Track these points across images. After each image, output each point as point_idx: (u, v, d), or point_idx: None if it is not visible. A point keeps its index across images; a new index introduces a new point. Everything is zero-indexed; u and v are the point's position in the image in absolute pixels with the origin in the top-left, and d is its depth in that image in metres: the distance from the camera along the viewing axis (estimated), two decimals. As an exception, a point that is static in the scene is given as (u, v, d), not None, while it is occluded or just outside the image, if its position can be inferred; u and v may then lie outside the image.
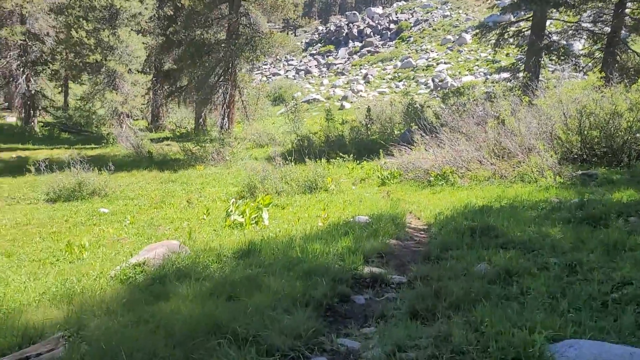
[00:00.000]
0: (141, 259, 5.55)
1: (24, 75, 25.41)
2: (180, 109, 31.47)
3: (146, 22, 27.22)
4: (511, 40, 21.89)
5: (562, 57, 19.22)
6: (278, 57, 24.96)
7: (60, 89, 33.35)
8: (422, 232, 7.19)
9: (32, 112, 27.07)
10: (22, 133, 26.34)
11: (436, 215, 7.86)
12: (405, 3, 79.56)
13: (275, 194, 11.32)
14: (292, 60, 71.99)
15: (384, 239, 6.01)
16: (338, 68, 57.92)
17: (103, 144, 22.85)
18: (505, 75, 33.17)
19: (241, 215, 7.93)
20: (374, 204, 9.52)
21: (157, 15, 28.14)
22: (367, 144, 19.46)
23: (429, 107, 22.09)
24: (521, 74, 20.67)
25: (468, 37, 49.78)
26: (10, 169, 16.47)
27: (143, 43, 23.33)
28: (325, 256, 5.06)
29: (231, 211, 7.97)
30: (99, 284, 5.08)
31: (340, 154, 17.16)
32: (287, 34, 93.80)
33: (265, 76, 64.42)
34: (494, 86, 21.35)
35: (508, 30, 21.26)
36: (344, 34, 71.71)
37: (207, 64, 19.35)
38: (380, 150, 16.05)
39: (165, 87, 29.69)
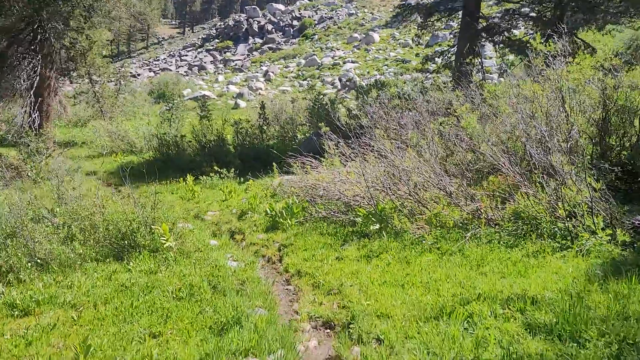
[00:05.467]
0: None
1: None
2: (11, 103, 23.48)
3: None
4: (438, 24, 17.49)
5: (509, 43, 15.01)
6: (112, 17, 17.98)
7: None
8: None
9: None
10: None
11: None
12: (308, 1, 74.89)
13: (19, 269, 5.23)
14: (186, 55, 64.52)
15: None
16: (236, 65, 51.64)
17: None
18: (417, 75, 29.50)
19: None
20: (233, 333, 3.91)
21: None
22: (259, 153, 13.82)
23: (341, 104, 16.89)
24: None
25: (376, 36, 46.19)
26: None
27: None
28: None
29: None
30: None
31: (217, 167, 11.42)
32: (184, 31, 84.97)
33: (154, 72, 56.58)
34: (421, 80, 16.80)
35: (437, 9, 16.78)
36: (244, 30, 65.62)
37: (-2, 24, 12.20)
38: (275, 163, 10.43)
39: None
